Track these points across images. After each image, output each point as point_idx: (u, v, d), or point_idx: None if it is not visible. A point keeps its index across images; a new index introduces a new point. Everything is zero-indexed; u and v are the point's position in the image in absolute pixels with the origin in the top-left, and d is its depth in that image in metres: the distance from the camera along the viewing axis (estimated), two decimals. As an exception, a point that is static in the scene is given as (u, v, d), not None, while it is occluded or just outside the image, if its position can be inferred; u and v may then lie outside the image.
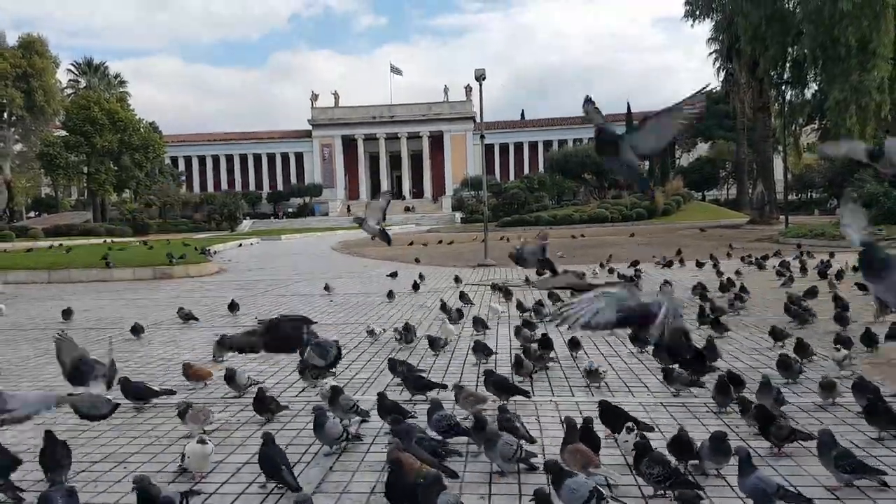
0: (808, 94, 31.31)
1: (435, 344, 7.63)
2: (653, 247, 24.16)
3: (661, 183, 62.69)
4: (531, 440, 4.52)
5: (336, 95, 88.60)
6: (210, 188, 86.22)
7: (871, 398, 4.66)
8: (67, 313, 11.13)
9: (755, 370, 6.38)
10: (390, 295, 12.58)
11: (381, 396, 5.07)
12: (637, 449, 3.78)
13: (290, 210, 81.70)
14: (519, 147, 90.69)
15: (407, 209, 79.00)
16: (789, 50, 29.36)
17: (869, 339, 7.02)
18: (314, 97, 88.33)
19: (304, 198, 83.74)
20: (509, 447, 4.03)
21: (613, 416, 4.55)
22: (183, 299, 13.35)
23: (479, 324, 8.84)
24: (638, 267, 15.68)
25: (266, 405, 5.35)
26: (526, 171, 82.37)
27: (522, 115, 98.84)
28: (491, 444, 4.05)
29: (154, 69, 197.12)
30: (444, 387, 5.78)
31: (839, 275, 12.66)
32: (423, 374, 6.33)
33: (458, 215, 66.43)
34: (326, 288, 13.79)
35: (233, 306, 11.32)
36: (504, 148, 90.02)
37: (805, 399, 5.54)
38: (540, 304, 10.25)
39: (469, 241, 30.25)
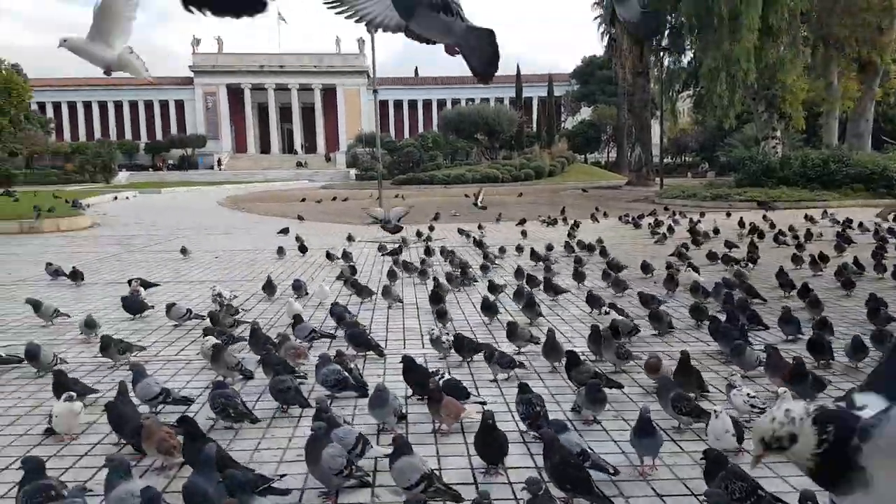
0: (685, 61, 32.86)
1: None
2: (539, 206, 24.97)
3: (547, 145, 64.52)
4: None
5: (220, 41, 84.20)
6: (82, 137, 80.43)
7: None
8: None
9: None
10: (280, 251, 12.34)
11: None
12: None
13: (171, 162, 77.68)
14: (413, 104, 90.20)
15: (299, 164, 77.09)
16: (668, 18, 30.56)
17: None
18: (195, 42, 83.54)
19: (187, 149, 79.64)
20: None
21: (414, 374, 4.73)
22: (52, 255, 12.57)
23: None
24: (524, 227, 16.15)
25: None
26: (420, 129, 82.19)
27: (416, 71, 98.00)
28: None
29: (17, 4, 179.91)
30: None
31: (705, 235, 13.62)
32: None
33: (353, 172, 65.61)
34: (183, 251, 12.66)
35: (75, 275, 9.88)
36: (398, 105, 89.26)
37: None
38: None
39: (364, 199, 30.03)
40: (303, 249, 12.67)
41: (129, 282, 8.71)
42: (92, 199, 30.70)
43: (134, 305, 7.52)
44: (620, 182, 45.38)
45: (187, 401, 4.59)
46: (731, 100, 26.14)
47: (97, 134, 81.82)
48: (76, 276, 9.72)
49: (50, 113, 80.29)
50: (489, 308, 7.03)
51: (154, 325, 7.14)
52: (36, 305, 7.13)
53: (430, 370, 4.94)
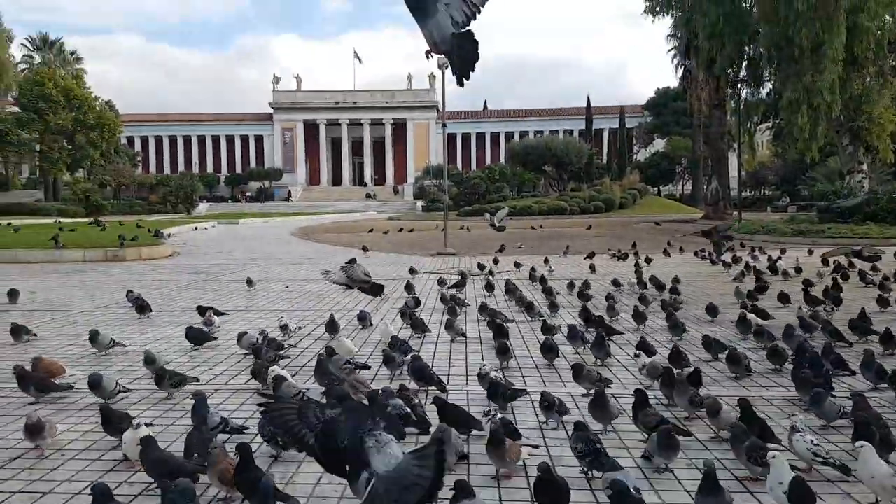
0: (763, 92, 32.02)
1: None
2: (609, 239, 24.57)
3: (618, 177, 63.72)
4: None
5: (298, 79, 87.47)
6: (167, 170, 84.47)
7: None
8: (13, 294, 10.84)
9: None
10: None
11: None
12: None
13: (249, 194, 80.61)
14: (481, 137, 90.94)
15: (368, 196, 78.56)
16: (746, 48, 29.91)
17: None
18: (276, 80, 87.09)
19: (264, 182, 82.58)
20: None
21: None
22: (134, 283, 13.10)
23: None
24: (593, 261, 15.86)
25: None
26: (488, 161, 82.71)
27: (485, 105, 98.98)
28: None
29: (116, 47, 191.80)
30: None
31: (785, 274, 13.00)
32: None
33: (420, 203, 66.36)
34: (249, 283, 12.58)
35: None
36: (466, 138, 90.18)
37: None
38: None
39: (430, 230, 30.28)
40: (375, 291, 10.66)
41: (201, 310, 8.90)
42: (173, 228, 32.03)
43: (198, 336, 7.61)
44: (696, 216, 44.26)
45: (243, 429, 4.65)
46: (814, 132, 25.17)
47: (181, 166, 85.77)
48: (143, 309, 9.55)
49: (137, 146, 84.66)
50: (550, 349, 6.79)
51: (225, 354, 7.28)
52: (93, 336, 7.21)
53: (487, 409, 4.82)
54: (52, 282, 14.12)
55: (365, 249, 20.22)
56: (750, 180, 67.33)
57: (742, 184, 48.97)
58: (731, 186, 43.57)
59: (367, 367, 6.28)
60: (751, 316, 8.06)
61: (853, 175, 27.71)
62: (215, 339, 7.76)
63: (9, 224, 31.96)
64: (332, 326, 8.07)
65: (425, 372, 5.72)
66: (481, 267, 14.49)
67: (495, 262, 15.49)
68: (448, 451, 3.92)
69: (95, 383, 5.34)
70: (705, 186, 46.51)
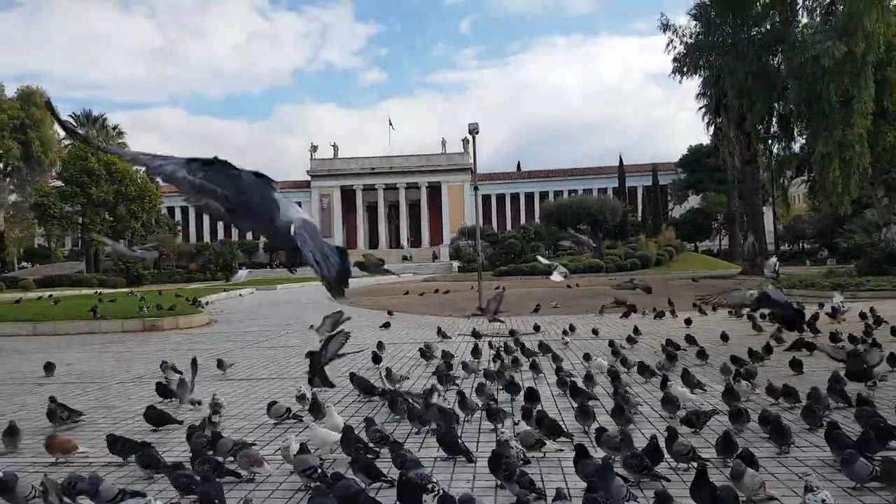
0: (796, 147, 31.85)
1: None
2: (645, 297, 24.20)
3: (653, 234, 63.31)
4: None
5: (335, 147, 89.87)
6: (206, 238, 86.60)
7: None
8: (49, 367, 11.06)
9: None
10: (379, 347, 12.31)
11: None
12: None
13: (281, 261, 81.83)
14: (515, 197, 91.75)
15: (404, 258, 79.25)
16: (775, 105, 29.92)
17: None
18: (313, 149, 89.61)
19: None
20: None
21: None
22: (168, 353, 13.30)
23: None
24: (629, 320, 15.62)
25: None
26: (522, 221, 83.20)
27: (519, 166, 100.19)
28: None
29: (158, 121, 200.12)
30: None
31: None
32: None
33: (456, 264, 66.66)
34: (220, 365, 10.98)
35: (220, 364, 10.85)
36: (501, 198, 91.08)
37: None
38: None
39: (465, 290, 30.28)
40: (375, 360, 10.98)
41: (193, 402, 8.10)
42: (212, 296, 32.57)
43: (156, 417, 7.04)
44: (734, 271, 43.52)
45: None
46: (846, 186, 24.82)
47: (220, 235, 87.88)
48: (165, 394, 8.54)
49: (178, 216, 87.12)
50: (586, 415, 6.64)
51: (256, 423, 7.28)
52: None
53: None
54: (90, 353, 14.40)
55: (390, 313, 19.62)
56: (787, 234, 66.29)
57: (779, 238, 48.24)
58: (769, 241, 42.92)
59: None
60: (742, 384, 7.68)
61: (889, 227, 27.08)
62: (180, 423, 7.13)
63: (50, 296, 32.87)
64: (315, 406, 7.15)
65: (452, 440, 5.62)
66: (512, 333, 13.99)
67: (536, 328, 15.20)
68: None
69: (7, 487, 4.42)
70: (742, 242, 45.82)
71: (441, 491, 4.41)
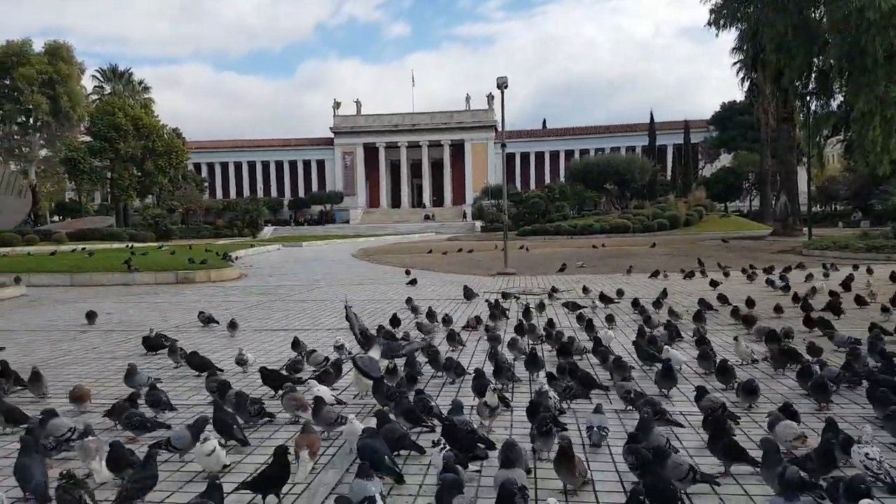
0: (834, 105, 30.90)
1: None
2: (674, 257, 23.99)
3: (682, 194, 62.37)
4: None
5: (358, 104, 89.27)
6: (232, 194, 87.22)
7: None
8: (91, 316, 11.25)
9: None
10: (409, 302, 12.34)
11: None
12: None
13: (311, 217, 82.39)
14: (540, 156, 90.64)
15: (427, 217, 79.19)
16: (815, 60, 28.97)
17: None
18: (336, 105, 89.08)
19: (326, 205, 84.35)
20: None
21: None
22: (204, 304, 13.46)
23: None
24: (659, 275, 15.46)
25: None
26: (547, 180, 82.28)
27: (544, 123, 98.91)
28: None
29: (183, 77, 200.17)
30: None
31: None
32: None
33: (479, 224, 66.45)
34: (232, 326, 10.14)
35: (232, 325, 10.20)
36: (525, 157, 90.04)
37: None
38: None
39: (489, 250, 30.20)
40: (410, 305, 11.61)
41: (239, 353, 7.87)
42: (240, 251, 32.87)
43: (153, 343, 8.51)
44: (764, 232, 42.87)
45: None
46: (886, 145, 24.06)
47: (246, 191, 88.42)
48: (233, 326, 10.00)
49: (204, 172, 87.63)
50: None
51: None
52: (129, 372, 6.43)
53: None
54: (127, 303, 14.61)
55: (407, 272, 19.14)
56: (820, 195, 64.99)
57: (812, 199, 47.32)
58: (801, 202, 42.10)
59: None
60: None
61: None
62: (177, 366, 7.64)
63: (83, 248, 33.43)
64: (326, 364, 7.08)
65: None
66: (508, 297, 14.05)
67: (551, 293, 14.16)
68: None
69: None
70: (774, 202, 44.95)
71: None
